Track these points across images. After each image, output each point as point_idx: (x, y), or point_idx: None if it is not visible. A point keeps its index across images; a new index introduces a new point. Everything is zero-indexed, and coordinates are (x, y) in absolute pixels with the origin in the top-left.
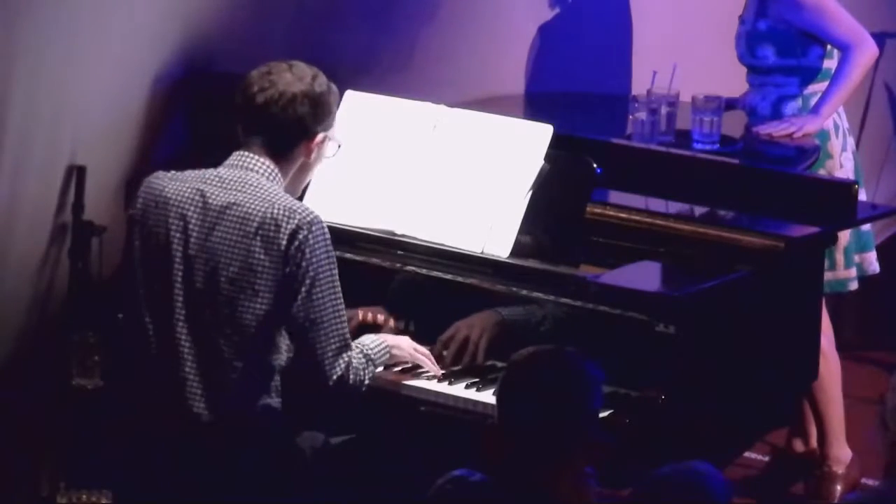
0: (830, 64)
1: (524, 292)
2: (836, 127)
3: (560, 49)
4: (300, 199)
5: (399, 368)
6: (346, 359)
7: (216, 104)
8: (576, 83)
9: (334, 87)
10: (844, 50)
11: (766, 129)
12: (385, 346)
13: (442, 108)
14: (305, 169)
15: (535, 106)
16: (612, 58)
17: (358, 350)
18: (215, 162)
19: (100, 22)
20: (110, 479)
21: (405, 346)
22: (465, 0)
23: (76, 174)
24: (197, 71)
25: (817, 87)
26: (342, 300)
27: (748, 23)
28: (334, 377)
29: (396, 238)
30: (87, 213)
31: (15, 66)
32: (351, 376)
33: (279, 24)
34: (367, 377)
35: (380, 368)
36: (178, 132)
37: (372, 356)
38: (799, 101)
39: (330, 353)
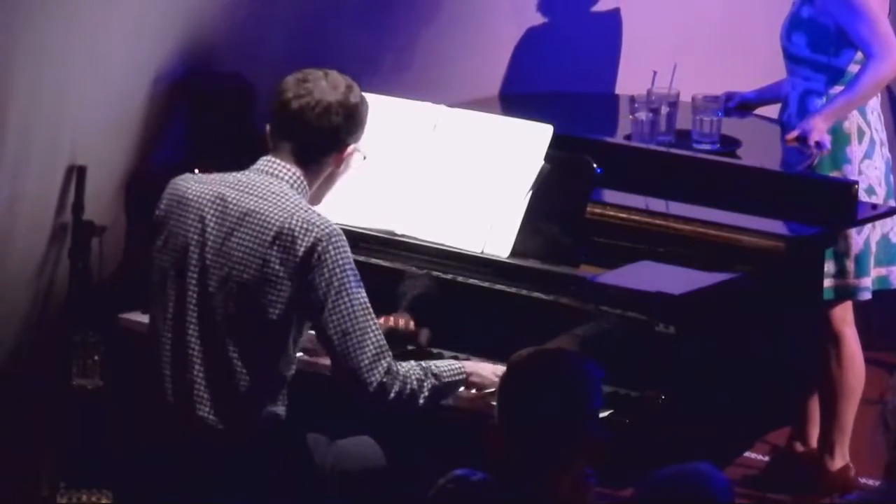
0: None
1: (524, 292)
2: (862, 133)
3: (560, 49)
4: None
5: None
6: (385, 365)
7: (216, 104)
8: (576, 83)
9: (366, 99)
10: (867, 58)
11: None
12: (458, 367)
13: (442, 108)
14: (332, 178)
15: (534, 106)
16: (612, 58)
17: (417, 364)
18: (215, 163)
19: (100, 22)
20: (110, 479)
21: (486, 372)
22: (465, 1)
23: (76, 174)
24: (197, 71)
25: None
26: (371, 308)
27: (795, 5)
28: (374, 384)
29: (396, 238)
30: (87, 213)
31: (15, 66)
32: (397, 385)
33: (279, 24)
34: (425, 391)
35: (457, 390)
36: (178, 132)
37: (435, 371)
38: (824, 100)
39: (366, 361)
